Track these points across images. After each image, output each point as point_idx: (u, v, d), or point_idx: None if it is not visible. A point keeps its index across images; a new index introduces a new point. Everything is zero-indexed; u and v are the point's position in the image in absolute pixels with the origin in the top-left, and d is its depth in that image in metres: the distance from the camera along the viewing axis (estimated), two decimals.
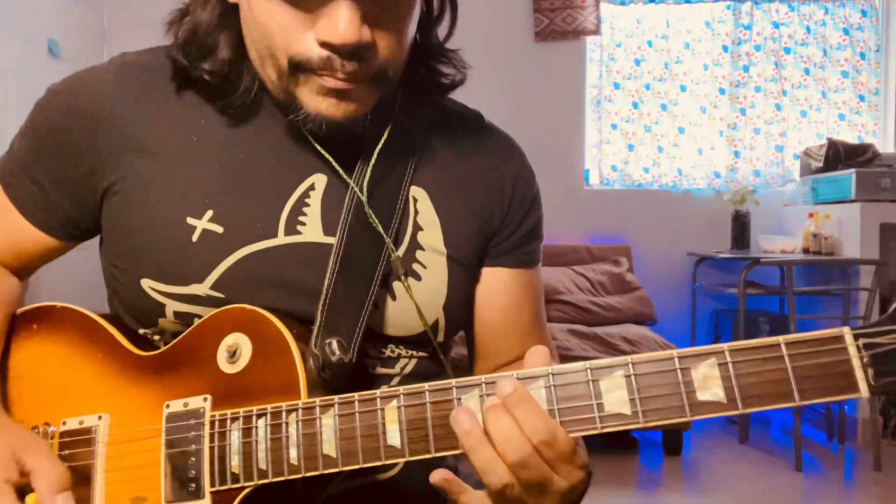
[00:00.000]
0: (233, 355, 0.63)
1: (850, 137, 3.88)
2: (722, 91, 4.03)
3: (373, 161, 0.71)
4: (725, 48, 4.03)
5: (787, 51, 4.02)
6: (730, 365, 0.52)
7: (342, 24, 0.59)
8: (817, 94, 4.00)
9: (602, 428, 0.53)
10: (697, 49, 4.04)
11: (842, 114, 3.99)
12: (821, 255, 3.44)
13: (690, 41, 4.05)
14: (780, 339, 0.51)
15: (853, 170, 3.33)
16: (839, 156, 3.47)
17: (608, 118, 4.06)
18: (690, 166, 4.05)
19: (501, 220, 0.78)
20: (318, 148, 0.69)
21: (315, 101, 0.64)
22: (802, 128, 4.03)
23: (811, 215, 3.52)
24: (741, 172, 4.03)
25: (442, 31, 0.76)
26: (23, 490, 0.60)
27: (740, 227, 3.84)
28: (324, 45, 0.60)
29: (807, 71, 4.01)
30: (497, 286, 0.79)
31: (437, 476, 0.55)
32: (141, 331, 0.72)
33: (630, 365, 0.53)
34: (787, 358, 0.51)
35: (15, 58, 2.99)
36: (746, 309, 3.40)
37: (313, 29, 0.60)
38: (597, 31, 3.98)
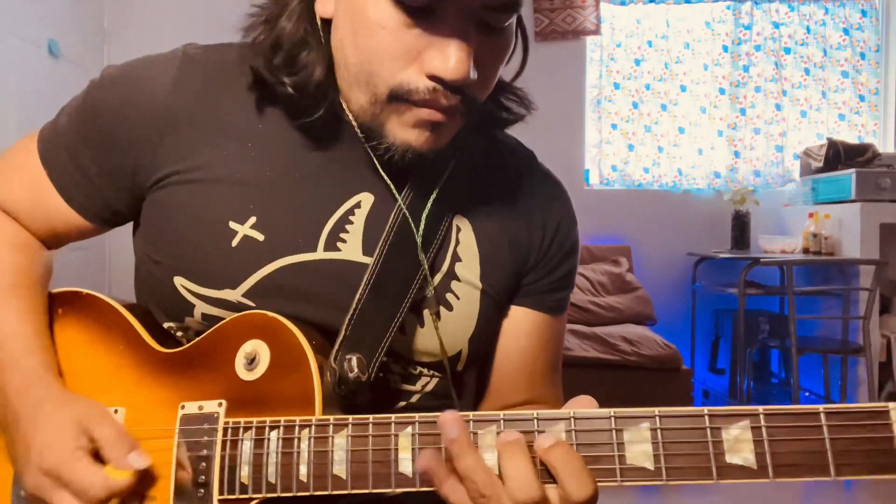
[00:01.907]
0: (251, 362, 0.62)
1: (850, 137, 3.88)
2: (722, 91, 4.03)
3: (435, 194, 0.71)
4: (725, 48, 4.03)
5: (787, 51, 4.02)
6: (764, 429, 0.49)
7: (455, 59, 0.58)
8: (817, 94, 4.00)
9: (622, 481, 0.51)
10: (697, 49, 4.04)
11: (842, 114, 3.99)
12: (821, 255, 3.44)
13: (690, 41, 4.05)
14: (821, 408, 0.49)
15: (853, 170, 3.33)
16: (839, 156, 3.47)
17: (608, 118, 4.06)
18: (690, 166, 4.05)
19: (537, 262, 0.77)
20: (379, 169, 0.68)
21: (405, 131, 0.63)
22: (802, 128, 4.03)
23: (811, 215, 3.52)
24: (741, 172, 4.03)
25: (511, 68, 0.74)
26: (96, 456, 0.60)
27: (740, 227, 3.84)
28: (431, 77, 0.60)
29: (807, 71, 4.01)
30: (519, 326, 0.78)
31: (422, 464, 0.53)
32: (165, 325, 0.71)
33: (657, 418, 0.51)
34: (825, 429, 0.48)
35: (15, 58, 2.99)
36: (746, 309, 3.41)
37: (419, 60, 0.60)
38: (597, 31, 3.98)
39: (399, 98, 0.61)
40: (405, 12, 0.58)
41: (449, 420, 0.53)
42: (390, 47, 0.60)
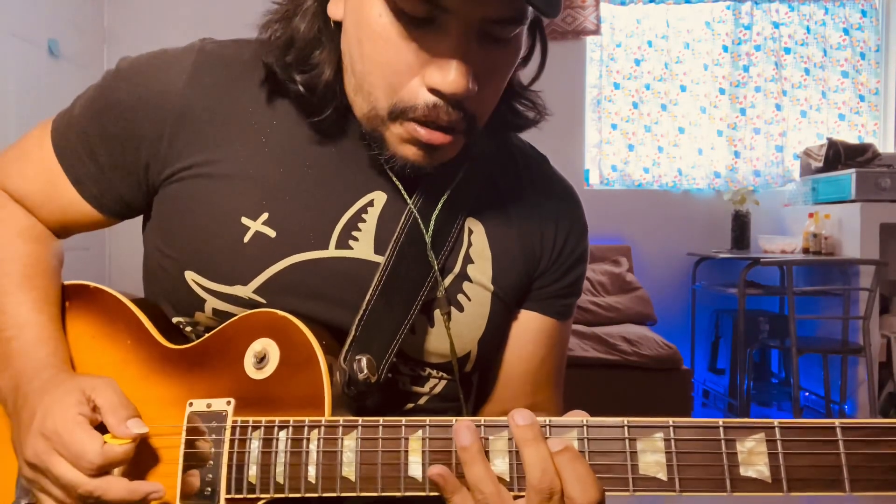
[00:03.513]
0: (260, 361, 0.62)
1: (850, 137, 3.88)
2: (722, 91, 4.03)
3: (445, 197, 0.71)
4: (725, 48, 4.03)
5: (787, 51, 4.02)
6: (779, 442, 0.49)
7: (454, 73, 0.58)
8: (817, 94, 4.01)
9: (634, 491, 0.51)
10: (697, 49, 4.04)
11: (842, 114, 3.99)
12: (821, 255, 3.44)
13: (690, 41, 4.05)
14: (837, 422, 0.49)
15: (853, 170, 3.33)
16: (839, 156, 3.47)
17: (608, 118, 4.06)
18: (690, 166, 4.05)
19: (547, 267, 0.77)
20: (388, 171, 0.68)
21: (403, 147, 0.63)
22: (802, 128, 4.03)
23: (811, 215, 3.52)
24: (741, 172, 4.03)
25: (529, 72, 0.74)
26: (99, 426, 0.60)
27: (740, 227, 3.84)
28: (432, 90, 0.59)
29: (807, 71, 4.01)
30: (526, 330, 0.78)
31: (435, 470, 0.54)
32: (174, 319, 0.71)
33: (671, 428, 0.51)
34: (841, 443, 0.48)
35: (15, 58, 2.99)
36: (746, 309, 3.41)
37: (421, 73, 0.60)
38: (597, 31, 3.98)
39: (399, 115, 0.61)
40: (406, 24, 0.58)
41: (463, 427, 0.53)
42: (392, 60, 0.60)
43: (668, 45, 4.04)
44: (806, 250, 3.51)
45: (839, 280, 3.44)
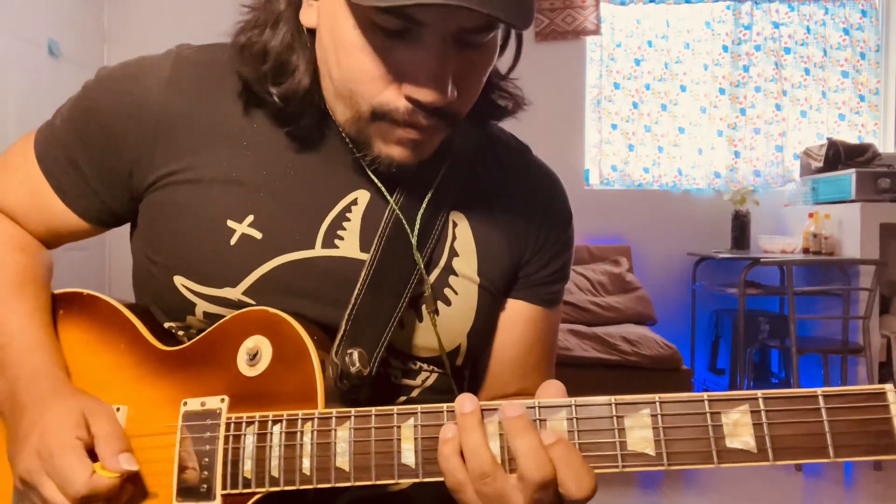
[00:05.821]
0: (253, 358, 0.63)
1: (850, 137, 3.88)
2: (722, 91, 4.03)
3: (429, 195, 0.71)
4: (725, 48, 4.03)
5: (787, 51, 4.02)
6: (763, 413, 0.50)
7: (432, 84, 0.59)
8: (817, 94, 4.01)
9: (623, 467, 0.52)
10: (697, 49, 4.04)
11: (842, 114, 4.00)
12: (821, 255, 3.44)
13: (690, 41, 4.05)
14: (819, 391, 0.49)
15: (853, 170, 3.33)
16: (839, 156, 3.47)
17: (608, 118, 4.07)
18: (690, 166, 4.05)
19: (532, 255, 0.78)
20: (367, 170, 0.69)
21: (388, 147, 0.64)
22: (802, 128, 4.03)
23: (811, 215, 3.52)
24: (741, 172, 4.03)
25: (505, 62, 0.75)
26: (92, 451, 0.60)
27: (740, 227, 3.84)
28: (409, 99, 0.60)
29: (807, 71, 4.01)
30: (514, 318, 0.78)
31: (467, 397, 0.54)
32: (166, 324, 0.72)
33: (658, 404, 0.52)
34: (824, 411, 0.49)
35: (15, 58, 2.99)
36: (746, 309, 3.41)
37: (398, 82, 0.60)
38: (597, 31, 3.98)
39: (380, 117, 0.62)
40: (380, 37, 0.59)
41: (466, 397, 0.54)
42: (369, 69, 0.60)
43: (668, 45, 4.04)
44: (806, 250, 3.51)
45: (839, 280, 3.44)
